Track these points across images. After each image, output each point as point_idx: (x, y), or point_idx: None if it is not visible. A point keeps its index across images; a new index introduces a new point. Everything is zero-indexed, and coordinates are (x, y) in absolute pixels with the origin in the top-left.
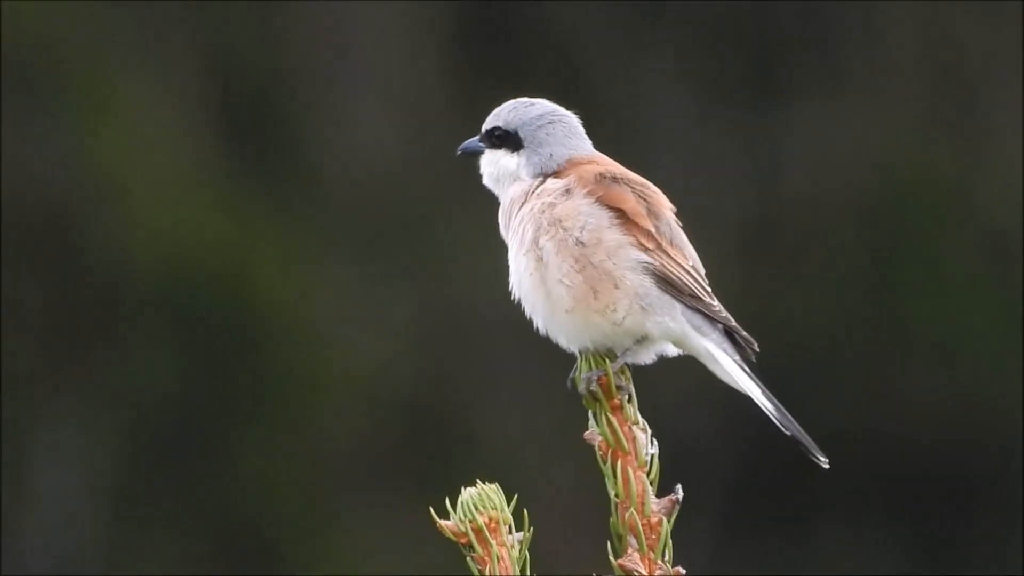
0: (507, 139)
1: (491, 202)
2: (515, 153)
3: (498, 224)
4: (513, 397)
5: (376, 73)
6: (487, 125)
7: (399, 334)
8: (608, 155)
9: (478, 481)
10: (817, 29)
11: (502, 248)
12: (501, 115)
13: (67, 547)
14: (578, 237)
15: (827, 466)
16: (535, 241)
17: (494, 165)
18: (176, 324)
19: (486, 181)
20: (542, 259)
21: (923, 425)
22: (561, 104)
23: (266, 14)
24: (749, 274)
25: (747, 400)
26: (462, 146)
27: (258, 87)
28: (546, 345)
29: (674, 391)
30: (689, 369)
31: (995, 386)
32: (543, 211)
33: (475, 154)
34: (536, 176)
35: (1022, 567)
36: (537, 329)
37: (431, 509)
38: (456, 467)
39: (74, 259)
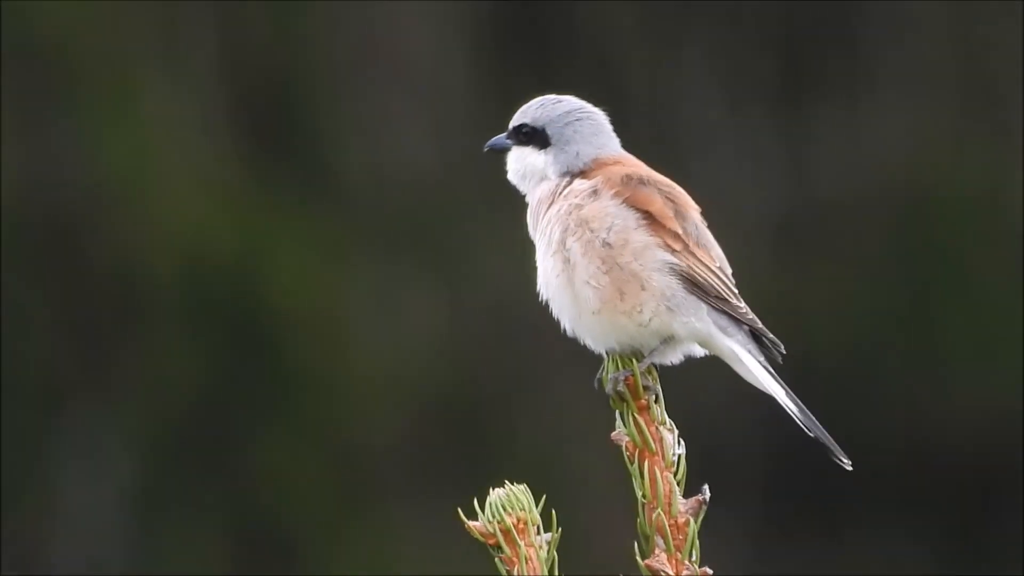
0: (534, 136)
1: (518, 200)
2: (542, 151)
3: (527, 224)
4: (541, 397)
5: (403, 72)
6: (515, 122)
7: (422, 333)
8: (639, 153)
9: (506, 482)
10: (847, 27)
11: (529, 247)
12: (528, 112)
13: (91, 548)
14: (605, 238)
15: (850, 468)
16: (562, 242)
17: (521, 162)
18: (197, 324)
19: (512, 178)
20: (569, 260)
21: (954, 426)
22: (592, 102)
23: (288, 13)
24: (779, 272)
25: (773, 402)
26: (489, 143)
27: (280, 85)
28: (574, 344)
29: (708, 393)
30: (723, 371)
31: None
32: (570, 212)
33: (502, 151)
34: (563, 174)
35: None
36: (564, 330)
37: (459, 510)
38: (481, 466)
39: (92, 261)
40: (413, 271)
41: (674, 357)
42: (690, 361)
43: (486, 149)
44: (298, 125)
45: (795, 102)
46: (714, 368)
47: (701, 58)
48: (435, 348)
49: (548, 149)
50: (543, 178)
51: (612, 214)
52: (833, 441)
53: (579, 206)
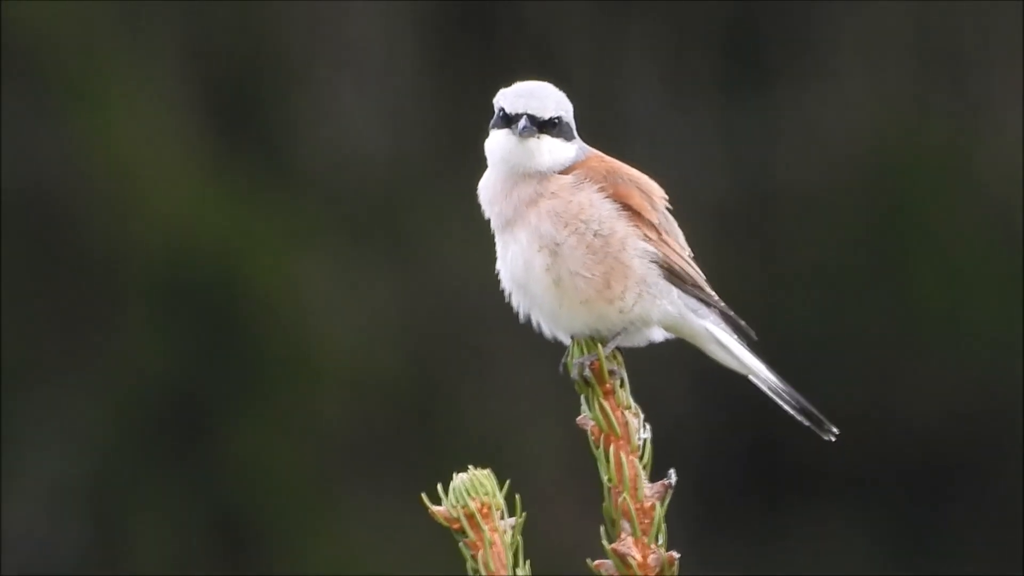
0: (560, 127)
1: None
2: (570, 143)
3: (483, 207)
4: (503, 381)
5: (357, 62)
6: (545, 111)
7: (387, 320)
8: (585, 142)
9: (470, 467)
10: (799, 5)
11: (484, 232)
12: (561, 102)
13: (53, 539)
14: (596, 230)
15: (834, 439)
16: (552, 237)
17: (550, 154)
18: (168, 311)
19: (530, 165)
20: (558, 253)
21: (916, 409)
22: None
23: (247, 8)
24: (735, 261)
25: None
26: (524, 129)
27: (244, 77)
28: (529, 328)
29: (643, 375)
30: (661, 355)
31: (998, 365)
32: (562, 206)
33: (528, 138)
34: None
35: (1022, 564)
36: (520, 317)
37: (423, 495)
38: (447, 451)
39: (66, 246)
40: (370, 257)
41: (639, 341)
42: (648, 345)
43: (521, 134)
44: (259, 116)
45: (747, 84)
46: (648, 351)
47: (644, 46)
48: (400, 335)
49: (574, 141)
50: (550, 171)
51: (597, 206)
52: (817, 411)
53: (568, 201)
